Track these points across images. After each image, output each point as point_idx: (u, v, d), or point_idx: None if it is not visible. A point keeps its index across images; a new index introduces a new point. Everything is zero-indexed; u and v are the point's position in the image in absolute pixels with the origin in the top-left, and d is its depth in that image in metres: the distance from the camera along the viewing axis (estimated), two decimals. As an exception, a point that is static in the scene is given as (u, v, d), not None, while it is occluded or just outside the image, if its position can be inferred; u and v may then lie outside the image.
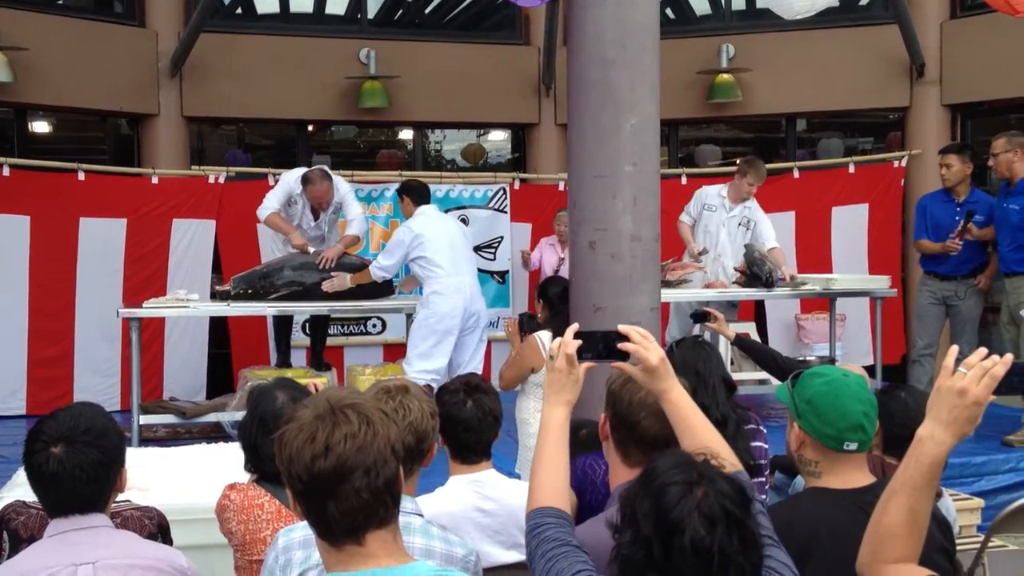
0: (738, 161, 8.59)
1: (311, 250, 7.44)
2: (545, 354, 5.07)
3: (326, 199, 7.53)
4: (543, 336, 5.15)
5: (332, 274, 7.25)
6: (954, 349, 2.08)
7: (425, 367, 6.77)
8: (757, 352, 5.24)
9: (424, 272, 6.95)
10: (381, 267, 7.07)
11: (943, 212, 7.44)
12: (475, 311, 6.99)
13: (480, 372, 6.54)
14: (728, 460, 2.21)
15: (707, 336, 7.80)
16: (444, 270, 6.87)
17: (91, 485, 2.45)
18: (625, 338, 2.30)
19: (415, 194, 7.27)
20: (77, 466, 2.42)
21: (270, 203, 7.54)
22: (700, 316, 5.69)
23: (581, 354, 2.32)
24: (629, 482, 2.02)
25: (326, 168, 7.66)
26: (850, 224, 9.55)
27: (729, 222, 8.03)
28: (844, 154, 10.42)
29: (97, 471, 2.45)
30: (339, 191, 7.59)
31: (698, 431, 2.28)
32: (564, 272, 7.24)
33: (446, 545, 2.52)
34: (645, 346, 2.30)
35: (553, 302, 5.29)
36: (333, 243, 7.62)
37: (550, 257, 8.66)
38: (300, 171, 7.64)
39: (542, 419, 2.33)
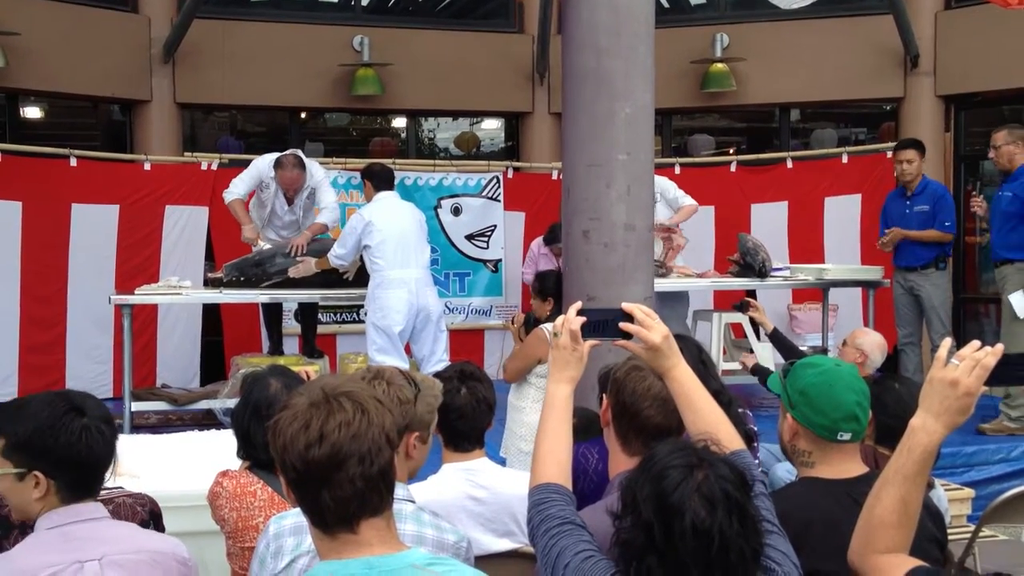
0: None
1: (262, 244, 7.38)
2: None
3: (295, 185, 7.43)
4: (550, 328, 5.12)
5: (298, 260, 7.17)
6: (947, 341, 2.09)
7: (386, 361, 6.40)
8: (786, 348, 5.44)
9: (369, 264, 6.77)
10: (337, 255, 6.91)
11: (895, 207, 7.73)
12: (422, 305, 6.73)
13: (446, 363, 6.35)
14: (730, 438, 2.22)
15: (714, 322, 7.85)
16: (386, 262, 6.65)
17: (107, 466, 2.41)
18: (629, 316, 2.30)
19: (376, 179, 7.01)
20: (108, 443, 2.38)
21: (236, 188, 7.48)
22: (742, 306, 5.83)
23: (584, 332, 2.31)
24: (628, 471, 2.02)
25: (300, 154, 7.55)
26: (843, 214, 9.55)
27: None
28: (837, 144, 10.42)
29: (113, 450, 2.42)
30: (313, 177, 7.49)
31: (702, 409, 2.29)
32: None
33: (437, 532, 2.52)
34: (648, 325, 2.29)
35: (556, 295, 5.28)
36: None
37: (546, 267, 8.55)
38: (274, 156, 7.53)
39: (546, 395, 2.33)
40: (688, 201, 8.10)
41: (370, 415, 1.81)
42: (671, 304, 8.15)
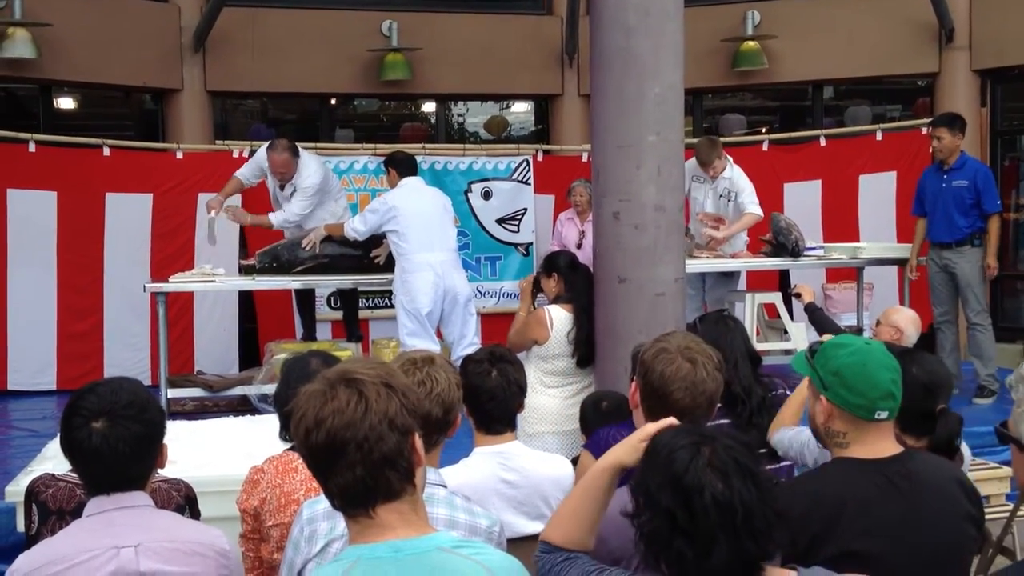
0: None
1: (212, 214, 7.49)
2: (550, 329, 5.04)
3: (281, 169, 7.45)
4: (552, 311, 5.11)
5: (309, 229, 7.29)
6: None
7: (417, 345, 6.47)
8: (828, 327, 5.26)
9: (395, 248, 6.88)
10: (354, 228, 7.03)
11: (932, 182, 7.59)
12: (449, 287, 6.83)
13: (477, 346, 6.36)
14: None
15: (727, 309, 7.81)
16: (411, 246, 6.76)
17: (135, 461, 2.39)
18: None
19: (399, 166, 7.14)
20: (121, 440, 2.35)
21: (242, 170, 7.71)
22: (795, 294, 5.80)
23: None
24: (635, 475, 2.03)
25: (295, 144, 7.57)
26: (877, 192, 9.44)
27: (712, 194, 8.09)
28: (872, 122, 10.29)
29: (141, 446, 2.39)
30: (300, 174, 7.45)
31: None
32: (587, 246, 7.18)
33: (470, 516, 2.52)
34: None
35: (566, 273, 5.24)
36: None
37: (571, 232, 8.56)
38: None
39: (600, 459, 2.31)
40: (754, 209, 7.86)
41: (368, 401, 1.80)
42: (724, 283, 8.14)
